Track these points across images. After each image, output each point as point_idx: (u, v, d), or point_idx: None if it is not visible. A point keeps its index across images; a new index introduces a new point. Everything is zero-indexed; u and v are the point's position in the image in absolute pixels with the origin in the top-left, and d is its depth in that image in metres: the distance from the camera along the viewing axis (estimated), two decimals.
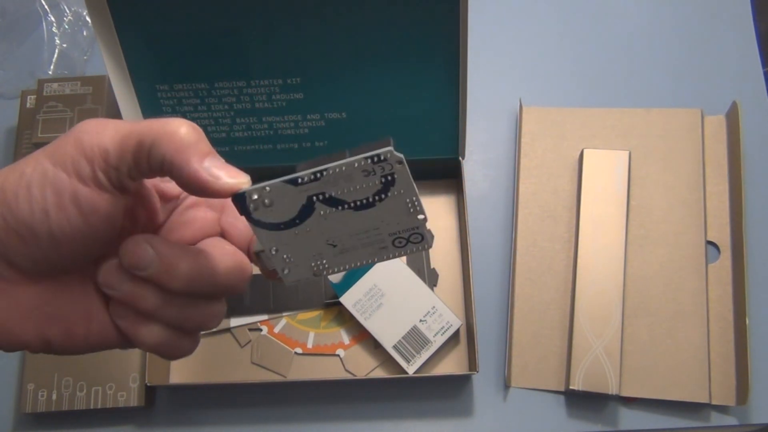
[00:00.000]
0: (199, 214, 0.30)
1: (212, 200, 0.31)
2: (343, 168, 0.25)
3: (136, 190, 0.27)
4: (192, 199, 0.30)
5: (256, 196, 0.25)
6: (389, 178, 0.25)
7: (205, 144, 0.25)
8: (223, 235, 0.30)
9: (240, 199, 0.25)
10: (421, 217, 0.27)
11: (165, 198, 0.30)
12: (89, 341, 0.28)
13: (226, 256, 0.28)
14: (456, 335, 0.56)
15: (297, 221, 0.26)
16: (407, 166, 0.25)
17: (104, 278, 0.27)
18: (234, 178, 0.25)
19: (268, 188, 0.25)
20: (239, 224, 0.30)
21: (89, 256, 0.27)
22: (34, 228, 0.25)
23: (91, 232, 0.25)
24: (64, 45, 0.66)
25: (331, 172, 0.25)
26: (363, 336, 0.56)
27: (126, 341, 0.28)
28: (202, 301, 0.28)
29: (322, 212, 0.26)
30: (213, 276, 0.27)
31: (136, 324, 0.27)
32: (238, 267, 0.28)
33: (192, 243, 0.30)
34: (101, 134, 0.25)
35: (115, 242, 0.27)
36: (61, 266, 0.27)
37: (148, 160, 0.25)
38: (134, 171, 0.25)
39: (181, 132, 0.25)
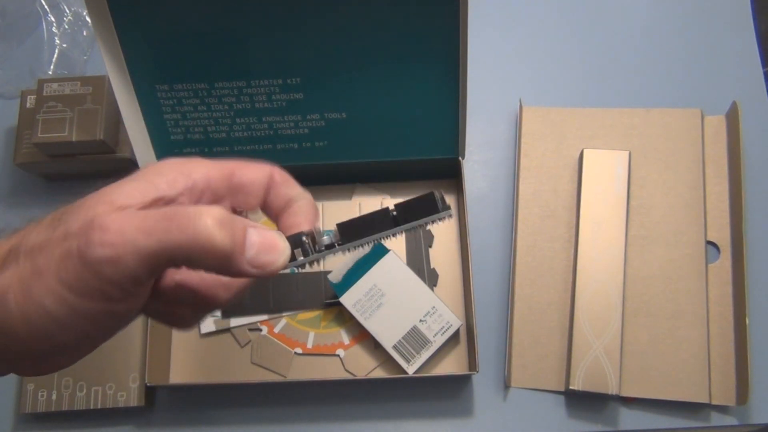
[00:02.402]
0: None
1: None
2: None
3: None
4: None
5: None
6: None
7: (238, 226, 0.23)
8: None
9: None
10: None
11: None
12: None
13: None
14: (456, 335, 0.56)
15: None
16: None
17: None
18: (275, 254, 0.24)
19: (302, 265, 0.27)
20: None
21: (93, 341, 0.26)
22: (6, 332, 0.23)
23: (68, 337, 0.24)
24: (64, 45, 0.66)
25: None
26: (363, 336, 0.56)
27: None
28: None
29: None
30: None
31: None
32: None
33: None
34: (120, 256, 0.22)
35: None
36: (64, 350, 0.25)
37: (174, 266, 0.23)
38: (146, 280, 0.23)
39: (216, 240, 0.22)
